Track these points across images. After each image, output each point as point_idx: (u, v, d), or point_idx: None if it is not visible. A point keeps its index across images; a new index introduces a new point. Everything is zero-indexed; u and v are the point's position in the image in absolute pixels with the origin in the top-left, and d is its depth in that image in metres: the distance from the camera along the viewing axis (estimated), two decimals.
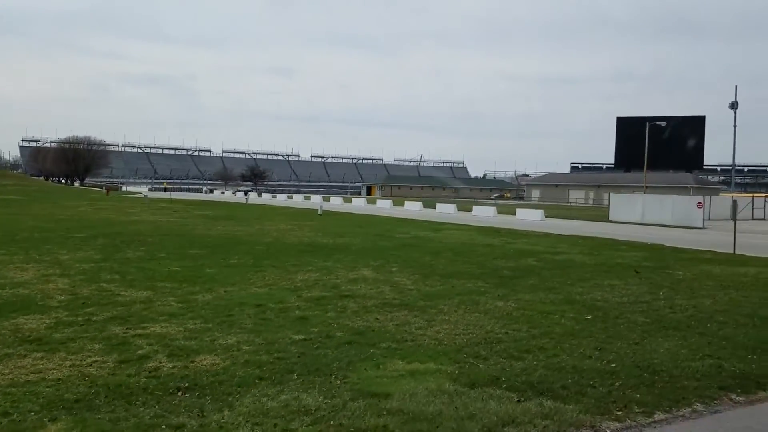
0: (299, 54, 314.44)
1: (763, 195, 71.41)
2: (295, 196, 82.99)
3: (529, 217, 44.46)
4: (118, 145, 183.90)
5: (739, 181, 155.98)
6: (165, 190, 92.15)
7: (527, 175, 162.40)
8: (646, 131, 53.41)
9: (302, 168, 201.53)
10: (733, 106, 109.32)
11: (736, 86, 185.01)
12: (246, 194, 66.76)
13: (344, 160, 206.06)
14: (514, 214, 47.22)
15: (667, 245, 24.11)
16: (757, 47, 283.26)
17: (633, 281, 13.82)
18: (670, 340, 8.37)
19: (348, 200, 73.41)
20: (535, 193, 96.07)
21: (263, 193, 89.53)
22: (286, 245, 19.88)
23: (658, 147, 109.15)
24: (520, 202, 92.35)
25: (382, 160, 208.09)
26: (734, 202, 24.39)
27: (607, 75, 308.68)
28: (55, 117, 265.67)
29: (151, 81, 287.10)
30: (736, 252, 21.46)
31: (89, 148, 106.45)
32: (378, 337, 8.04)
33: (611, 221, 45.27)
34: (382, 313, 9.57)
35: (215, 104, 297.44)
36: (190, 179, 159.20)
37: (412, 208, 56.05)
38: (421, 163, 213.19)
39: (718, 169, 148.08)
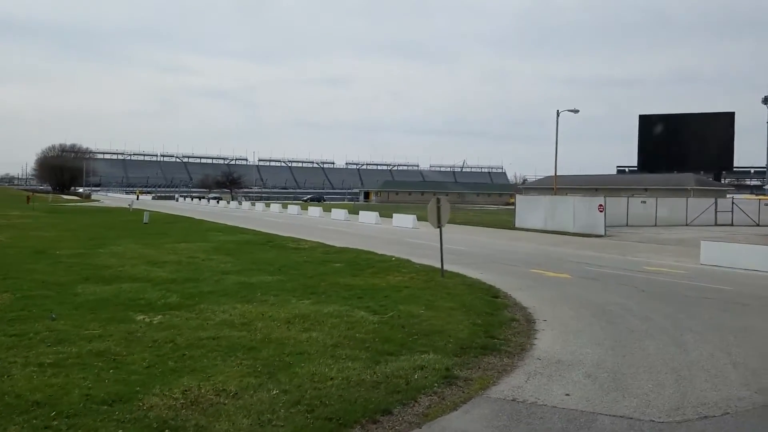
0: (353, 64, 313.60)
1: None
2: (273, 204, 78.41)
3: (402, 224, 38.37)
4: (156, 155, 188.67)
5: None
6: (137, 197, 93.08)
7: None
8: (557, 123, 45.63)
9: (336, 175, 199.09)
10: (767, 101, 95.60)
11: None
12: (132, 200, 64.50)
13: (380, 167, 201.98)
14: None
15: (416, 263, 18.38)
16: None
17: None
18: None
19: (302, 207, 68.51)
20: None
21: (243, 201, 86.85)
22: None
23: (683, 147, 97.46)
24: (508, 207, 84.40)
25: (417, 166, 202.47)
26: (437, 200, 17.49)
27: (671, 77, 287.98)
28: (122, 129, 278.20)
29: (211, 94, 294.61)
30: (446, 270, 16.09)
31: (74, 156, 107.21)
32: None
33: (516, 228, 38.43)
34: None
35: (271, 115, 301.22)
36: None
37: (313, 215, 51.31)
38: (462, 169, 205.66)
39: None
